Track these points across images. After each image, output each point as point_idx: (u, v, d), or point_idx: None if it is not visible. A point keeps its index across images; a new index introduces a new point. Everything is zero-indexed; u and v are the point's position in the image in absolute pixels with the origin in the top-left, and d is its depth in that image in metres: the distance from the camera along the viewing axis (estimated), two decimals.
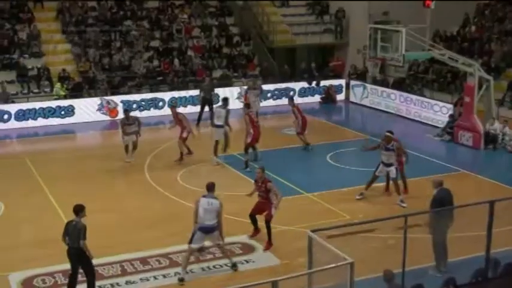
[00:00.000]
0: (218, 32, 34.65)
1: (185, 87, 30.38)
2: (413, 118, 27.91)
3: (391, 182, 18.22)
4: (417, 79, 31.03)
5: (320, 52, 37.04)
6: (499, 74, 28.58)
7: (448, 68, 29.15)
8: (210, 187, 13.69)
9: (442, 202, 13.21)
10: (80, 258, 12.29)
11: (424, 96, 29.02)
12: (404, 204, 17.40)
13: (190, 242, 13.44)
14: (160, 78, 31.10)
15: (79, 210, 12.34)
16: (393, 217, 11.55)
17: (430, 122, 27.03)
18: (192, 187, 18.82)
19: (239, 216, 15.95)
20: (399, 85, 30.87)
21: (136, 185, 19.41)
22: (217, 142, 21.14)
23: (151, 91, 30.00)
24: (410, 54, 24.34)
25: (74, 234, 12.13)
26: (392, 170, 17.63)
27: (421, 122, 27.34)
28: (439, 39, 32.32)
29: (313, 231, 10.14)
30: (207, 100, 27.16)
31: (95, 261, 12.77)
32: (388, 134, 17.73)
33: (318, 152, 22.60)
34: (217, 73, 32.38)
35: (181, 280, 13.33)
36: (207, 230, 13.37)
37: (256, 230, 15.50)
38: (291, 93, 31.41)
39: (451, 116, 25.50)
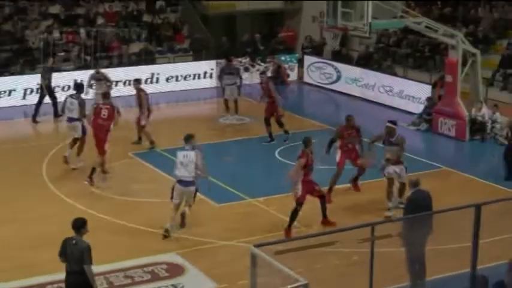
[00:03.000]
0: None
1: (95, 66, 30.04)
2: (383, 102, 28.15)
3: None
4: (387, 54, 31.36)
5: (266, 20, 37.10)
6: (488, 47, 29.12)
7: (426, 39, 29.52)
8: (186, 138, 16.35)
9: (417, 207, 13.37)
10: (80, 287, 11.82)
11: (396, 74, 29.35)
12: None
13: (171, 197, 16.26)
14: (63, 53, 30.74)
15: (79, 225, 11.88)
16: (356, 227, 11.62)
17: (402, 107, 27.35)
18: (104, 194, 18.81)
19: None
20: (365, 61, 31.14)
21: (32, 189, 19.19)
22: None
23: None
24: (378, 22, 24.54)
25: (74, 255, 11.75)
26: (403, 170, 17.51)
27: (391, 107, 27.59)
28: (414, 3, 32.71)
29: (257, 246, 10.15)
30: (49, 88, 26.33)
31: None
32: (390, 125, 17.74)
33: (263, 147, 22.67)
34: (135, 47, 32.14)
35: (166, 231, 16.05)
36: (185, 184, 16.04)
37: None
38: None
39: (429, 99, 25.83)
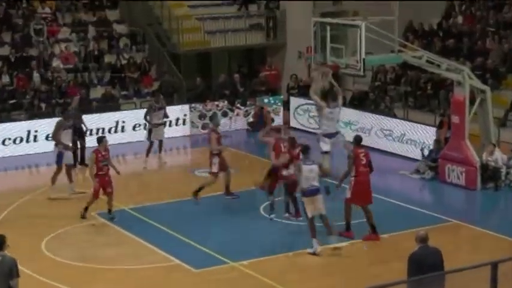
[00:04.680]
0: (97, 33, 34.54)
1: (51, 114, 29.97)
2: (381, 148, 28.14)
3: None
4: (385, 92, 31.46)
5: (246, 58, 37.24)
6: (498, 83, 29.29)
7: (428, 75, 29.66)
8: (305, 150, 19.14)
9: (421, 265, 13.24)
10: None
11: (395, 116, 29.41)
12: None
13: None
14: (14, 101, 30.71)
15: (2, 241, 12.90)
16: None
17: (404, 153, 27.40)
18: (62, 259, 18.64)
19: None
20: (360, 102, 31.22)
21: None
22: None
23: (0, 120, 29.53)
24: (373, 58, 24.60)
25: (2, 272, 12.65)
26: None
27: (391, 153, 27.60)
28: (413, 35, 32.95)
29: None
30: (78, 131, 26.42)
31: None
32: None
33: (246, 202, 22.56)
34: (97, 92, 32.14)
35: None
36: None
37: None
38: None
39: (436, 142, 25.78)
